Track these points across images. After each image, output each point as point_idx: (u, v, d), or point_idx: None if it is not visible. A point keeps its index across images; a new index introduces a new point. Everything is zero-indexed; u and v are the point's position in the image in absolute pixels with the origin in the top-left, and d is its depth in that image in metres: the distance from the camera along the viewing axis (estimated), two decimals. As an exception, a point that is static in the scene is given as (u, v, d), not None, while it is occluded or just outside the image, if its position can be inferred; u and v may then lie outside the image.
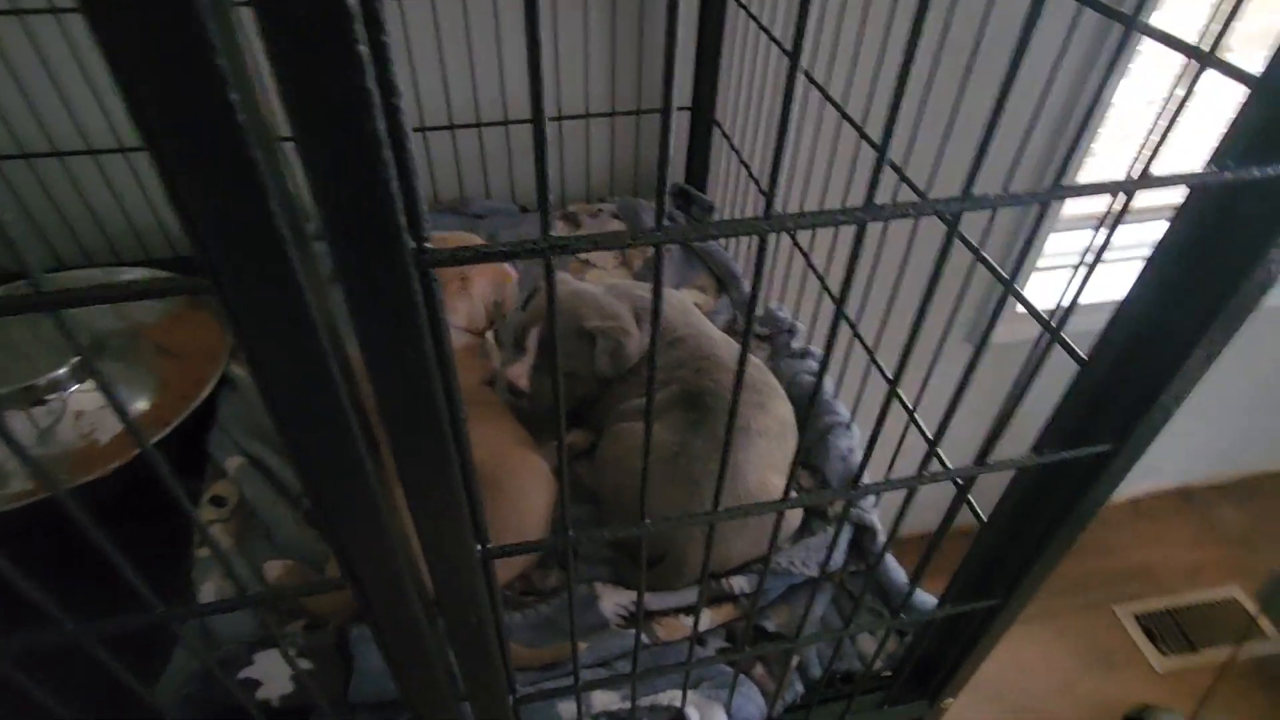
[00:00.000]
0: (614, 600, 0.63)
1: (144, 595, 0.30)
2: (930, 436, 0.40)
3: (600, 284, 0.77)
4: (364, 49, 0.18)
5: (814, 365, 0.80)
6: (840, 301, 0.29)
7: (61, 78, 0.84)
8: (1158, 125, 0.28)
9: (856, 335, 0.71)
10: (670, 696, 0.54)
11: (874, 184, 0.24)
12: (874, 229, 0.57)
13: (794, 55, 0.21)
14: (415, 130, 0.96)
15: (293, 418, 0.24)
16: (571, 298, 0.72)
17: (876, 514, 0.70)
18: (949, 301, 0.53)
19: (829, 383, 0.78)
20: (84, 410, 0.74)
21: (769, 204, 0.24)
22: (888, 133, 0.23)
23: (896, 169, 0.58)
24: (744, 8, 0.87)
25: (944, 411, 0.37)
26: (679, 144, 1.04)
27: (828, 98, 0.70)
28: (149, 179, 0.92)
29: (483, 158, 1.01)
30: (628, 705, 0.54)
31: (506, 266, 0.83)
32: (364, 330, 0.23)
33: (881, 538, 0.69)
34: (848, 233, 0.25)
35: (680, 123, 1.01)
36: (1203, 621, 1.76)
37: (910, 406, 0.61)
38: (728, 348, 0.74)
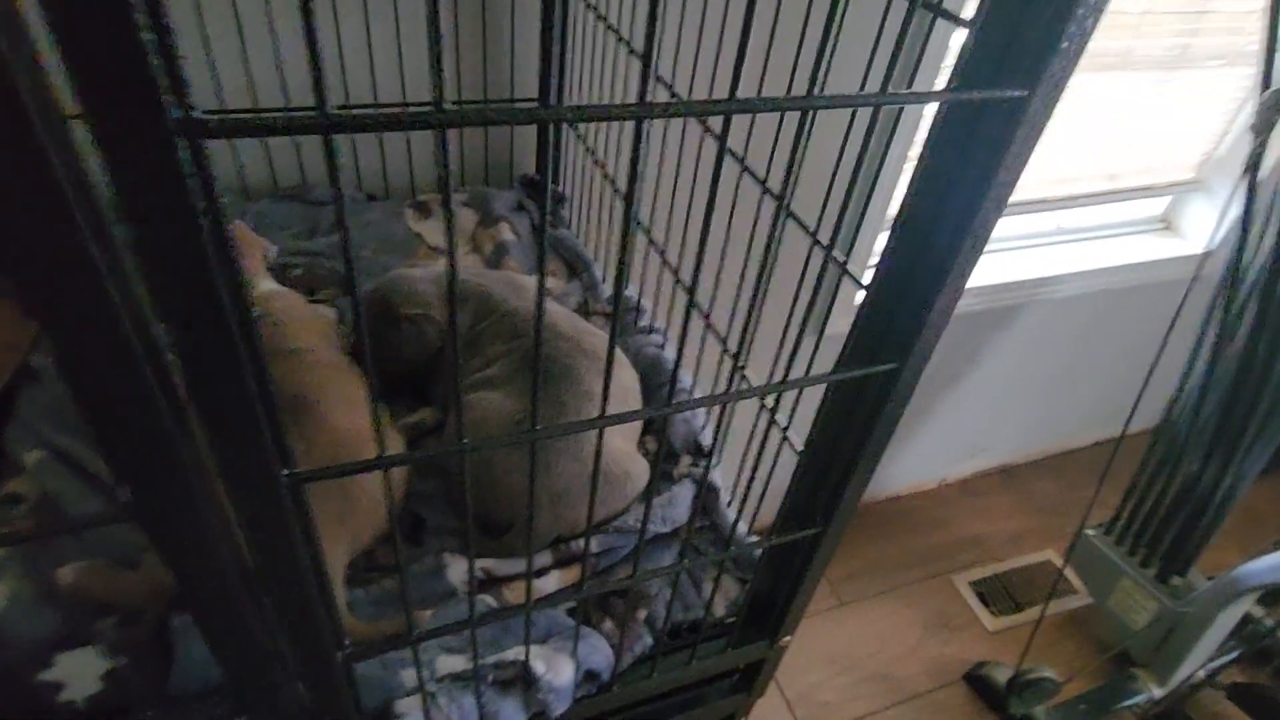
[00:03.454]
0: (462, 569, 0.63)
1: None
2: (736, 357, 0.43)
3: (431, 270, 0.78)
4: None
5: (659, 339, 0.83)
6: (629, 199, 0.31)
7: None
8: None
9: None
10: (516, 653, 0.55)
11: (644, 86, 0.26)
12: (741, 217, 0.61)
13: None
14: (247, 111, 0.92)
15: (77, 356, 0.23)
16: (387, 285, 0.75)
17: (719, 473, 0.74)
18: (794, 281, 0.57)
19: (672, 352, 0.81)
20: None
21: (544, 95, 0.25)
22: (650, 34, 0.25)
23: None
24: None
25: (744, 326, 0.40)
26: (529, 136, 1.05)
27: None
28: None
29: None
30: (472, 665, 0.53)
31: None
32: (130, 208, 0.22)
33: (724, 496, 0.73)
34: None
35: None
36: (1025, 583, 1.96)
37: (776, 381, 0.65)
38: (569, 320, 0.76)
